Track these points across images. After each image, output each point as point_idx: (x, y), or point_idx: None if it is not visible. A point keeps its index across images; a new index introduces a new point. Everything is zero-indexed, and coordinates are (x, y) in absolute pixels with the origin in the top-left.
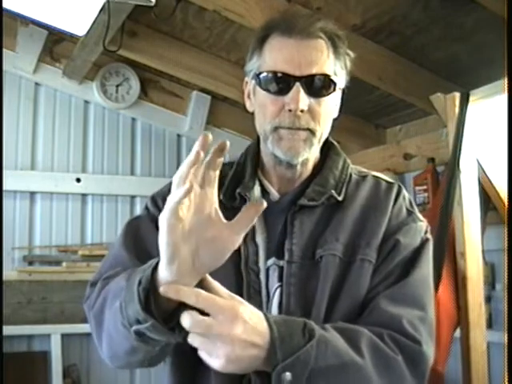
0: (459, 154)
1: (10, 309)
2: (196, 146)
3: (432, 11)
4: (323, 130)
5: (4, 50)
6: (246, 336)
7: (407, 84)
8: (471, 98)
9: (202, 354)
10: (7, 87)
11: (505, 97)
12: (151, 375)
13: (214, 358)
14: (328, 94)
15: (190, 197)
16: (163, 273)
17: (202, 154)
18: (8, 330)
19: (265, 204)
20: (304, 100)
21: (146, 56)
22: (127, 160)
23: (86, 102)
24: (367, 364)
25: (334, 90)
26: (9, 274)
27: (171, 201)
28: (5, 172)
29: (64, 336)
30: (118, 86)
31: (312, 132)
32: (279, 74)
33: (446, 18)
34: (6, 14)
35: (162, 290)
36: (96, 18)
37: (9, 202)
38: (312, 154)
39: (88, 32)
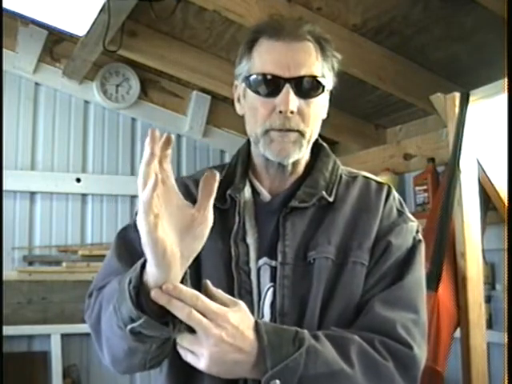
0: (459, 154)
1: (10, 309)
2: (147, 144)
3: (432, 11)
4: (312, 131)
5: (4, 50)
6: (231, 340)
7: (407, 84)
8: (471, 98)
9: (189, 357)
10: (7, 87)
11: (505, 97)
12: (151, 376)
13: (200, 357)
14: (317, 95)
15: (158, 193)
16: (154, 270)
17: (156, 150)
18: (8, 330)
19: (217, 173)
20: (294, 101)
21: (145, 56)
22: (127, 160)
23: (86, 102)
24: (356, 373)
25: (323, 91)
26: (9, 274)
27: (144, 201)
28: (5, 172)
29: (64, 336)
30: (117, 86)
31: (301, 134)
32: (269, 76)
33: (446, 18)
34: (5, 14)
35: (164, 287)
36: (96, 18)
37: (9, 202)
38: (302, 155)
39: (88, 32)
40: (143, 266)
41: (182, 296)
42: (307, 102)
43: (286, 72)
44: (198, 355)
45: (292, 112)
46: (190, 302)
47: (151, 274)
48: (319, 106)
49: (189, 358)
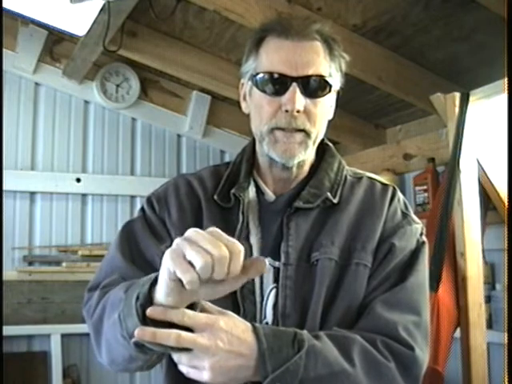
0: (459, 154)
1: (10, 309)
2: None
3: (432, 11)
4: (318, 131)
5: (4, 50)
6: (229, 346)
7: (407, 84)
8: (471, 98)
9: (191, 373)
10: (7, 87)
11: (505, 97)
12: (151, 375)
13: (202, 371)
14: (324, 95)
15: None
16: (160, 296)
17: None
18: (8, 330)
19: (267, 264)
20: (300, 100)
21: (146, 56)
22: (127, 160)
23: (86, 102)
24: (358, 372)
25: (330, 91)
26: (9, 274)
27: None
28: (5, 172)
29: (64, 336)
30: (118, 85)
31: (307, 134)
32: (276, 75)
33: (446, 18)
34: (6, 14)
35: (148, 312)
36: (96, 18)
37: (9, 202)
38: (308, 156)
39: (88, 32)
40: (153, 283)
41: (167, 316)
42: (314, 102)
43: (293, 71)
44: (200, 369)
45: (298, 111)
46: (176, 320)
47: (158, 297)
48: (326, 106)
49: (191, 373)
